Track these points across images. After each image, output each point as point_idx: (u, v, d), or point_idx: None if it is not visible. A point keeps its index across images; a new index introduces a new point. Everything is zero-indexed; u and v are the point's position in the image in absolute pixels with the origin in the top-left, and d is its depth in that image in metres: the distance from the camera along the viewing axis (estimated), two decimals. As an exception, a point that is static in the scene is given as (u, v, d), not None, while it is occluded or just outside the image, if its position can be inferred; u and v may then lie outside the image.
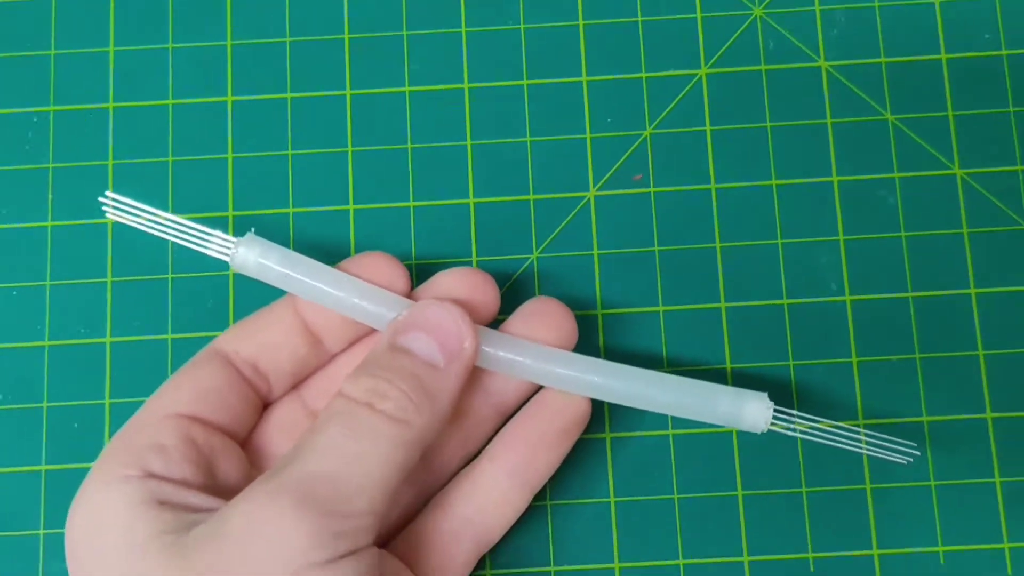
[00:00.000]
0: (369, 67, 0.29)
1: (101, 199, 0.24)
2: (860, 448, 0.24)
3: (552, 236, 0.28)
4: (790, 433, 0.24)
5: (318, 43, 0.29)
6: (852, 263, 0.28)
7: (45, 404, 0.27)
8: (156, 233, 0.24)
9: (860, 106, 0.29)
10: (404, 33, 0.29)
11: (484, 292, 0.25)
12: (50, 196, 0.28)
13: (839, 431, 0.24)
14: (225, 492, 0.22)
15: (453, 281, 0.25)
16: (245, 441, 0.25)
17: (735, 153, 0.28)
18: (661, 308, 0.28)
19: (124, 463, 0.22)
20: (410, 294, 0.25)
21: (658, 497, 0.27)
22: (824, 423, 0.24)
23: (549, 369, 0.24)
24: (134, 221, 0.24)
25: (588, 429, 0.26)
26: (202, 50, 0.29)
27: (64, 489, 0.26)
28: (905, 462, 0.24)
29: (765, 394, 0.24)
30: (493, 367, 0.24)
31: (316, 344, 0.25)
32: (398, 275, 0.25)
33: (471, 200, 0.28)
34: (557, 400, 0.25)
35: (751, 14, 0.29)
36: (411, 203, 0.28)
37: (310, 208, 0.28)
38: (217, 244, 0.24)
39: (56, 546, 0.26)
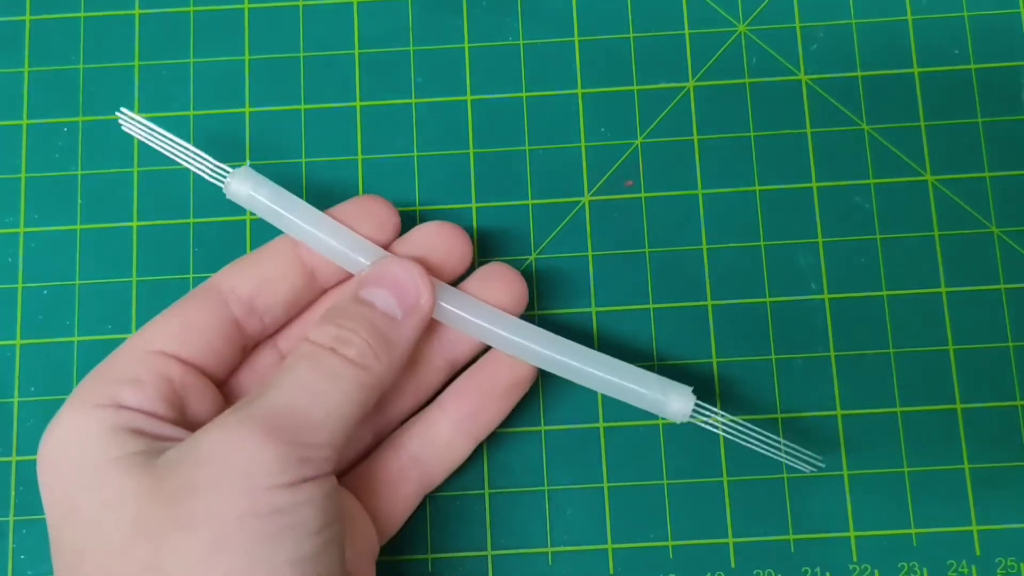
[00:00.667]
0: (378, 80, 0.29)
1: (117, 113, 0.25)
2: (771, 452, 0.24)
3: (549, 238, 0.29)
4: (709, 428, 0.24)
5: (330, 58, 0.29)
6: (830, 264, 0.28)
7: None
8: (163, 152, 0.25)
9: (838, 117, 0.29)
10: (411, 49, 0.30)
11: (457, 244, 0.26)
12: (79, 201, 0.29)
13: (757, 433, 0.24)
14: (195, 428, 0.22)
15: (429, 233, 0.26)
16: (223, 381, 0.25)
17: (721, 161, 0.29)
18: (651, 306, 0.28)
19: (98, 394, 0.22)
20: (389, 245, 0.26)
21: (649, 483, 0.27)
22: (743, 419, 0.24)
23: (495, 331, 0.25)
24: (145, 138, 0.25)
25: (582, 419, 0.27)
26: (222, 65, 0.29)
27: (93, 475, 0.27)
28: (809, 471, 0.24)
29: (690, 388, 0.24)
30: (448, 322, 0.25)
31: (310, 279, 0.25)
32: (389, 218, 0.25)
33: (474, 204, 0.29)
34: (506, 360, 0.25)
35: (736, 31, 0.30)
36: (417, 208, 0.29)
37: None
38: (215, 172, 0.25)
39: (85, 528, 0.27)
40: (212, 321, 0.24)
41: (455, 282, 0.26)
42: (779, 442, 0.24)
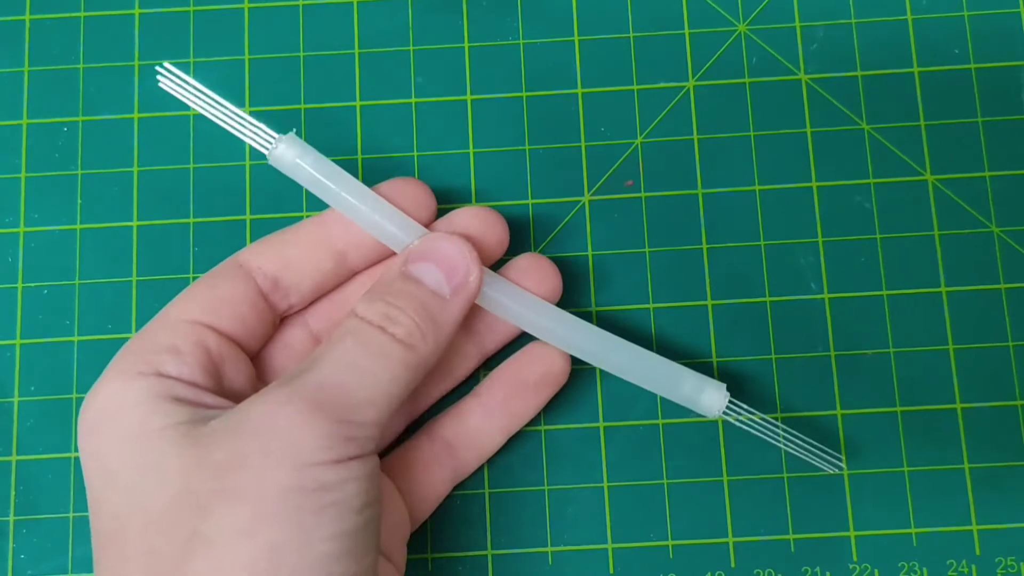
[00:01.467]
0: (378, 80, 0.29)
1: (158, 68, 0.25)
2: (796, 451, 0.25)
3: (549, 238, 0.29)
4: (739, 424, 0.25)
5: (330, 58, 0.30)
6: (830, 263, 0.28)
7: (75, 395, 0.28)
8: (205, 114, 0.25)
9: (838, 116, 0.29)
10: (411, 48, 0.30)
11: (495, 229, 0.26)
12: (79, 201, 0.29)
13: (781, 430, 0.25)
14: (232, 398, 0.23)
15: (468, 216, 0.26)
16: (255, 355, 0.25)
17: (721, 160, 0.29)
18: (652, 306, 0.28)
19: (138, 363, 0.22)
20: (430, 227, 0.26)
21: (649, 482, 0.27)
22: (771, 420, 0.25)
23: (539, 321, 0.25)
24: (185, 97, 0.25)
25: (582, 419, 0.27)
26: (221, 64, 0.29)
27: (93, 475, 0.28)
28: (832, 471, 0.25)
29: (724, 385, 0.25)
30: (489, 307, 0.25)
31: (339, 262, 0.25)
32: (427, 201, 0.25)
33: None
34: (540, 353, 0.26)
35: (736, 30, 0.30)
36: (417, 207, 0.29)
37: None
38: (260, 138, 0.25)
39: (85, 529, 0.27)
40: (241, 294, 0.24)
41: (492, 268, 0.26)
42: (808, 442, 0.25)
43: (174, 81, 0.25)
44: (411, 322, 0.23)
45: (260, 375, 0.25)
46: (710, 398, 0.25)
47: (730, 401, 0.25)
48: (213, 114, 0.25)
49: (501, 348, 0.27)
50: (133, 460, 0.21)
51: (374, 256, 0.26)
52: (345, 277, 0.26)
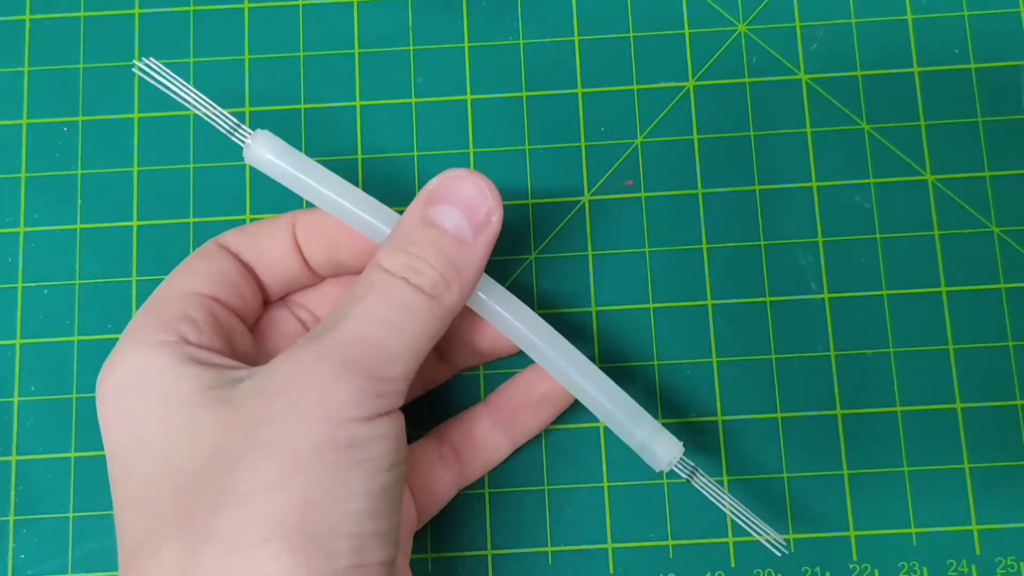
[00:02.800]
0: (378, 80, 0.29)
1: (135, 61, 0.24)
2: (741, 520, 0.24)
3: (549, 238, 0.29)
4: (685, 477, 0.24)
5: (330, 58, 0.30)
6: (830, 263, 0.28)
7: (75, 395, 0.28)
8: (182, 102, 0.24)
9: (838, 116, 0.29)
10: (411, 48, 0.30)
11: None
12: (79, 201, 0.29)
13: (733, 505, 0.24)
14: (249, 364, 0.23)
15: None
16: (251, 329, 0.25)
17: (721, 160, 0.29)
18: (651, 305, 0.28)
19: (159, 330, 0.22)
20: None
21: (649, 482, 0.27)
22: (720, 487, 0.24)
23: (520, 330, 0.24)
24: (163, 88, 0.24)
25: (582, 419, 0.27)
26: (222, 64, 0.30)
27: (93, 475, 0.27)
28: (779, 554, 0.24)
29: (680, 443, 0.24)
30: (478, 308, 0.24)
31: (307, 266, 0.25)
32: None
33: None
34: (544, 373, 0.25)
35: (736, 30, 0.30)
36: (417, 207, 0.29)
37: (323, 212, 0.29)
38: (236, 132, 0.24)
39: (85, 529, 0.27)
40: (233, 269, 0.24)
41: None
42: (753, 520, 0.24)
43: (154, 74, 0.24)
44: (435, 272, 0.22)
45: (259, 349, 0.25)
46: (661, 450, 0.24)
47: (683, 458, 0.24)
48: (191, 106, 0.24)
49: (471, 367, 0.28)
50: (165, 425, 0.21)
51: (336, 270, 0.26)
52: (315, 281, 0.26)
